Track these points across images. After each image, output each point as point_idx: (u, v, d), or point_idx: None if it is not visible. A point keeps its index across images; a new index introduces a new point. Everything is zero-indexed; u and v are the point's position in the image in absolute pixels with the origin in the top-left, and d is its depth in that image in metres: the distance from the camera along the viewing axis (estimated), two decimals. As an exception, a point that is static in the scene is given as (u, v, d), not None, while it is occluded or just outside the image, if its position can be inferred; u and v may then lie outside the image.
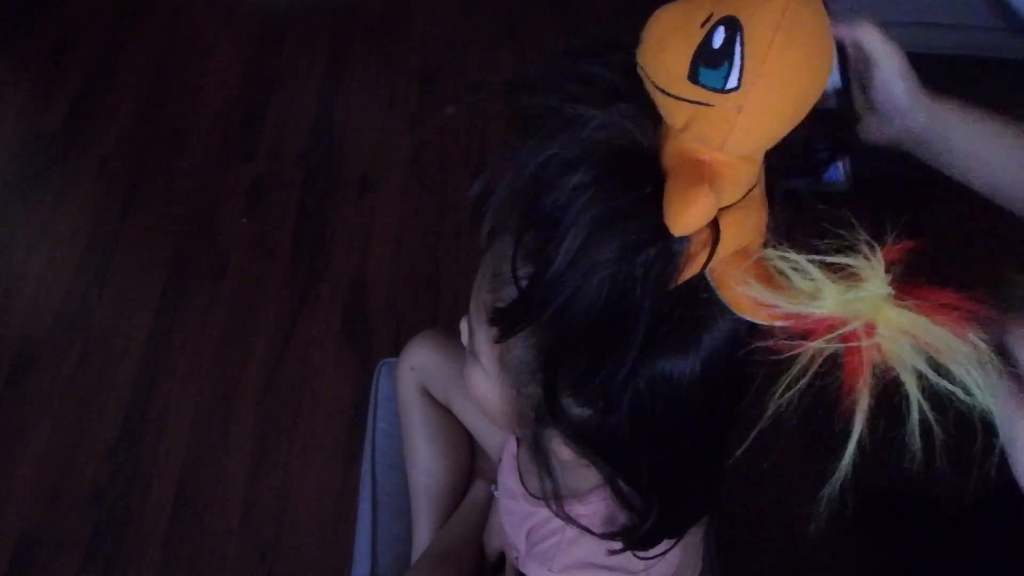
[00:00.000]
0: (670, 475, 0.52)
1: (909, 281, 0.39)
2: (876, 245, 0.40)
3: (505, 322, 0.46)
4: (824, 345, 0.39)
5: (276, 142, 1.91)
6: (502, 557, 0.90)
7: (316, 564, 1.34)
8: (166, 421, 1.48)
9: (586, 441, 0.50)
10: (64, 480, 1.41)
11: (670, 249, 0.40)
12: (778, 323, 0.41)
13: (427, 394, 0.95)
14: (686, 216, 0.38)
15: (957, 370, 0.40)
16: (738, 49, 0.36)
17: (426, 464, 0.93)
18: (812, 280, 0.39)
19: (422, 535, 0.91)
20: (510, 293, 0.46)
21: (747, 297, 0.41)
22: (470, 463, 0.97)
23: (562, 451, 0.53)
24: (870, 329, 0.39)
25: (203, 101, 1.99)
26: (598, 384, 0.44)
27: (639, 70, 0.40)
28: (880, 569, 1.34)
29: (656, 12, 0.40)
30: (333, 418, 1.49)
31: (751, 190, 0.41)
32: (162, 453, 1.45)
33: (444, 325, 0.97)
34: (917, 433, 0.41)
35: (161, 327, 1.59)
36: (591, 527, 0.59)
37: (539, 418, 0.51)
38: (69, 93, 1.97)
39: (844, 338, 0.39)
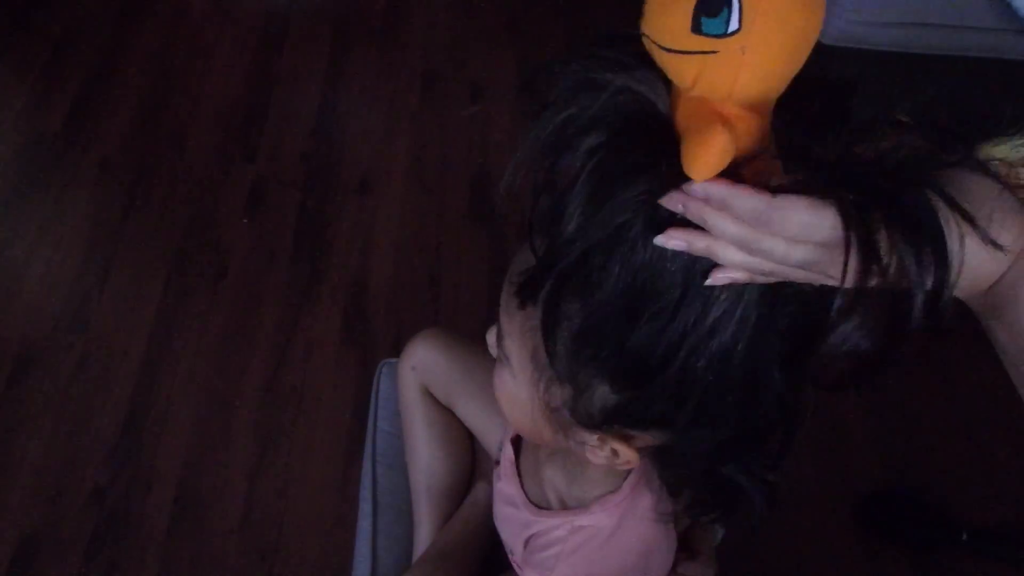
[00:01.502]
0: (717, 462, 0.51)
1: None
2: None
3: (527, 287, 0.46)
4: None
5: (277, 142, 1.91)
6: (499, 559, 0.90)
7: (316, 564, 1.34)
8: (167, 421, 1.48)
9: (626, 421, 0.50)
10: (65, 480, 1.41)
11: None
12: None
13: (428, 394, 0.95)
14: (706, 155, 0.38)
15: None
16: None
17: (427, 464, 0.93)
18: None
19: (423, 535, 0.91)
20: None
21: None
22: (471, 463, 0.97)
23: (593, 453, 0.53)
24: None
25: (204, 101, 1.99)
26: (633, 357, 0.44)
27: (644, 40, 0.41)
28: (880, 569, 1.34)
29: None
30: (334, 418, 1.49)
31: (765, 150, 0.42)
32: (163, 453, 1.45)
33: (445, 325, 0.97)
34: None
35: (162, 327, 1.59)
36: (595, 537, 0.59)
37: (575, 411, 0.51)
38: (70, 93, 1.98)
39: None
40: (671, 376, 0.44)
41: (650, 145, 0.40)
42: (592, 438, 0.53)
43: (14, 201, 1.79)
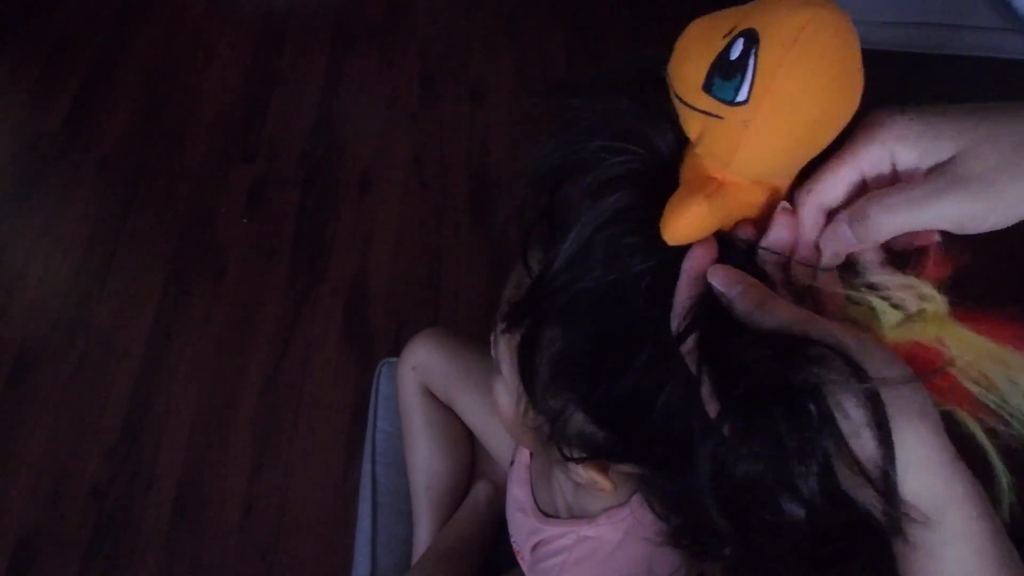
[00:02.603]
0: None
1: (957, 303, 0.37)
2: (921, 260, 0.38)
3: (512, 315, 0.46)
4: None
5: (276, 142, 1.90)
6: (499, 559, 0.90)
7: (316, 564, 1.34)
8: (166, 421, 1.48)
9: (595, 454, 0.50)
10: (64, 480, 1.41)
11: (667, 260, 0.39)
12: None
13: (428, 394, 0.95)
14: (675, 223, 0.38)
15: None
16: (751, 62, 0.35)
17: (427, 464, 0.93)
18: (867, 306, 0.38)
19: (423, 535, 0.91)
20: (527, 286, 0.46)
21: None
22: (471, 463, 0.97)
23: (575, 472, 0.53)
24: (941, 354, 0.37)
25: (203, 101, 1.99)
26: (607, 397, 0.43)
27: (666, 78, 0.40)
28: (881, 569, 1.34)
29: (690, 24, 0.39)
30: (333, 418, 1.49)
31: None
32: (162, 453, 1.45)
33: (445, 324, 0.97)
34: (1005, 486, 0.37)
35: (161, 327, 1.59)
36: (599, 549, 0.59)
37: (552, 434, 0.50)
38: (69, 93, 1.97)
39: (924, 366, 0.37)
40: (644, 422, 0.43)
41: (644, 194, 0.40)
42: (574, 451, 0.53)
43: (14, 201, 1.79)
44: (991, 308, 0.37)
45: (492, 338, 0.55)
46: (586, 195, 0.41)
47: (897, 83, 1.62)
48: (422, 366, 0.94)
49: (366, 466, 1.00)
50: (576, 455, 0.50)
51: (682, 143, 0.41)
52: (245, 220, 1.76)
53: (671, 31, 0.40)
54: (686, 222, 0.37)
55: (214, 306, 1.63)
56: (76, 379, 1.52)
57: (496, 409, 0.57)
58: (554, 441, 0.50)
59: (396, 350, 1.00)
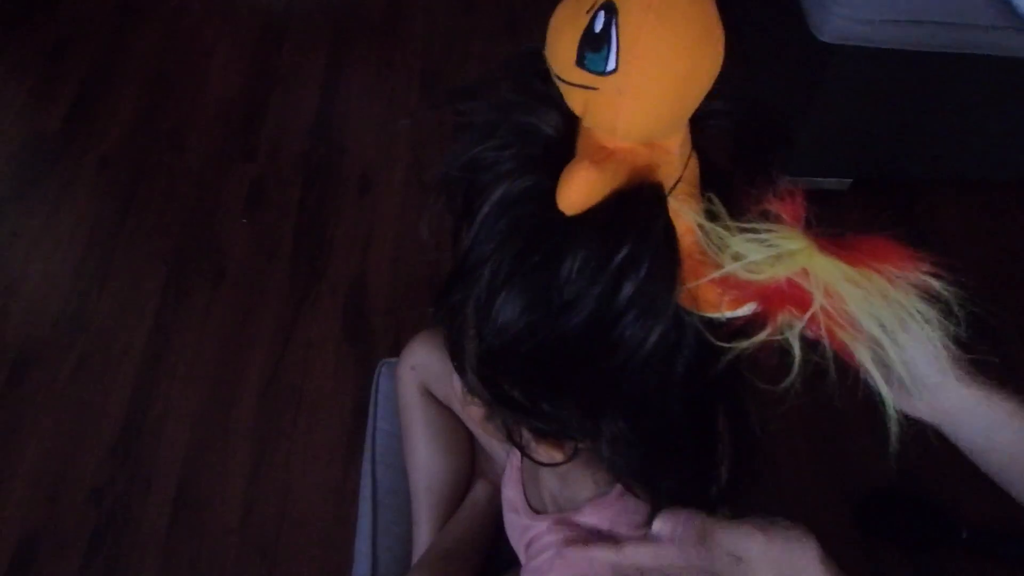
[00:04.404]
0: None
1: (827, 233, 0.40)
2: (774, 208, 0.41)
3: (437, 302, 0.48)
4: (787, 317, 0.41)
5: (276, 142, 1.90)
6: (500, 559, 0.90)
7: (316, 564, 1.34)
8: (166, 421, 1.48)
9: (541, 434, 0.51)
10: (64, 480, 1.41)
11: (568, 231, 0.41)
12: (737, 311, 0.42)
13: (428, 394, 0.95)
14: (566, 191, 0.39)
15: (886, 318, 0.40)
16: (613, 31, 0.37)
17: (427, 464, 0.93)
18: (730, 245, 0.40)
19: (423, 535, 0.91)
20: None
21: (702, 289, 0.42)
22: (471, 463, 0.97)
23: (542, 451, 0.53)
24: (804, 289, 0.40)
25: (203, 101, 1.99)
26: (536, 384, 0.45)
27: (547, 63, 0.42)
28: (880, 569, 1.34)
29: (558, 5, 0.41)
30: (333, 418, 1.49)
31: (676, 183, 0.42)
32: (162, 453, 1.44)
33: (444, 325, 0.97)
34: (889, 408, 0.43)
35: (161, 327, 1.59)
36: (585, 538, 0.59)
37: (496, 419, 0.52)
38: (69, 93, 1.97)
39: (798, 303, 0.40)
40: (578, 396, 0.45)
41: (553, 177, 0.41)
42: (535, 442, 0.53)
43: (13, 200, 1.79)
44: (862, 237, 0.41)
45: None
46: (491, 188, 0.43)
47: (897, 81, 1.63)
48: (421, 366, 0.94)
49: (366, 466, 1.00)
50: (525, 438, 0.52)
51: (570, 121, 0.43)
52: (245, 220, 1.76)
53: None
54: (576, 188, 0.39)
55: (214, 306, 1.63)
56: (76, 379, 1.52)
57: (465, 410, 0.58)
58: (504, 427, 0.52)
59: (396, 350, 1.00)
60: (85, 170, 1.84)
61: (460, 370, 0.51)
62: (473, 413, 0.56)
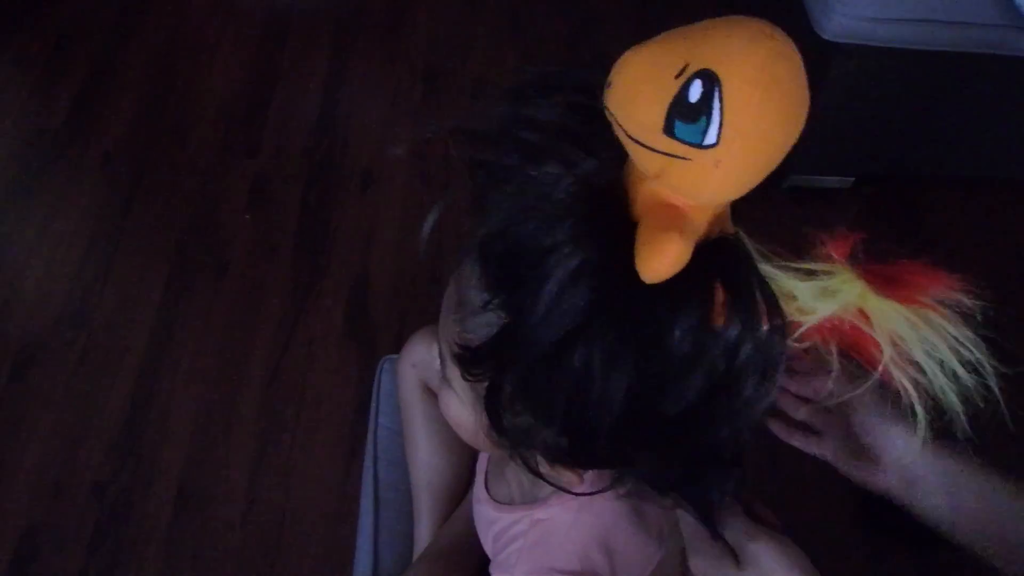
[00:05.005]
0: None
1: (868, 262, 0.41)
2: (827, 242, 0.41)
3: (472, 364, 0.46)
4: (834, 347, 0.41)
5: (279, 138, 1.90)
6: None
7: (318, 560, 1.34)
8: (168, 418, 1.48)
9: (562, 460, 0.50)
10: (66, 476, 1.42)
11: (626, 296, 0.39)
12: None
13: (428, 391, 0.95)
14: (656, 264, 0.37)
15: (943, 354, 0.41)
16: (716, 105, 0.35)
17: (427, 461, 0.93)
18: (783, 284, 0.40)
19: (424, 532, 0.91)
20: (475, 324, 0.47)
21: None
22: (472, 460, 0.97)
23: (561, 475, 0.53)
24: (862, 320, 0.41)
25: (206, 97, 1.99)
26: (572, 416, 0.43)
27: (608, 115, 0.39)
28: (882, 567, 1.34)
29: (624, 56, 0.38)
30: (335, 415, 1.49)
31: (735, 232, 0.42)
32: (164, 450, 1.45)
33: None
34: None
35: (163, 323, 1.59)
36: (553, 531, 0.59)
37: (514, 445, 0.50)
38: (71, 89, 1.97)
39: (851, 338, 0.41)
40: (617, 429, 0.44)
41: (609, 238, 0.39)
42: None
43: (16, 197, 1.79)
44: (898, 262, 0.41)
45: (439, 354, 0.56)
46: (552, 247, 0.40)
47: (900, 80, 1.63)
48: (422, 363, 0.94)
49: (368, 463, 1.00)
50: (540, 462, 0.51)
51: (616, 159, 0.41)
52: (247, 216, 1.76)
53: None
54: (669, 262, 0.37)
55: (216, 302, 1.63)
56: (78, 375, 1.53)
57: (446, 417, 0.58)
58: (518, 454, 0.51)
59: (398, 347, 1.00)
60: (88, 166, 1.84)
61: (496, 424, 0.48)
62: (455, 422, 0.56)
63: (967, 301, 0.40)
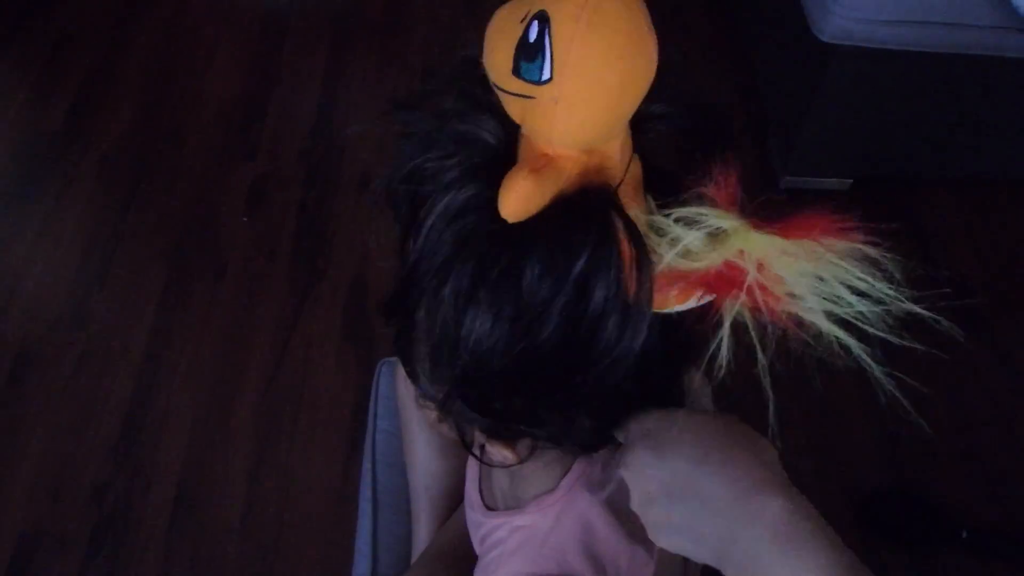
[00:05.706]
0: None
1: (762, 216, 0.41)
2: (707, 188, 0.41)
3: (388, 313, 0.50)
4: (735, 302, 0.41)
5: (277, 140, 1.90)
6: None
7: (317, 563, 1.34)
8: (167, 420, 1.48)
9: (488, 429, 0.52)
10: (65, 479, 1.41)
11: (511, 238, 0.41)
12: (686, 304, 0.43)
13: (426, 393, 0.95)
14: (508, 201, 0.40)
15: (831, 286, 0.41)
16: (547, 41, 0.38)
17: (426, 463, 0.93)
18: (668, 233, 0.41)
19: (422, 534, 0.91)
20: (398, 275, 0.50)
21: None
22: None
23: (495, 452, 0.53)
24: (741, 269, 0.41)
25: (204, 99, 1.99)
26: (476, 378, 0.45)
27: (486, 71, 0.43)
28: (880, 568, 1.34)
29: (494, 13, 0.42)
30: (334, 417, 1.49)
31: (617, 186, 0.43)
32: (163, 452, 1.45)
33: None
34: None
35: (161, 326, 1.59)
36: (532, 537, 0.59)
37: (446, 411, 0.52)
38: (69, 92, 1.97)
39: (739, 283, 0.41)
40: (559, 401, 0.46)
41: (483, 182, 0.42)
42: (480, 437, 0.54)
43: (14, 199, 1.79)
44: (797, 214, 0.41)
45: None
46: (435, 199, 0.44)
47: (898, 81, 1.63)
48: (420, 366, 0.94)
49: (366, 465, 1.00)
50: (477, 439, 0.53)
51: (510, 129, 0.43)
52: (245, 219, 1.76)
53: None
54: (516, 196, 0.40)
55: (214, 305, 1.63)
56: (76, 378, 1.52)
57: (422, 412, 0.59)
58: (456, 428, 0.53)
59: (396, 349, 1.00)
60: (86, 168, 1.84)
61: (412, 375, 0.51)
62: (428, 415, 0.57)
63: (871, 251, 0.40)
